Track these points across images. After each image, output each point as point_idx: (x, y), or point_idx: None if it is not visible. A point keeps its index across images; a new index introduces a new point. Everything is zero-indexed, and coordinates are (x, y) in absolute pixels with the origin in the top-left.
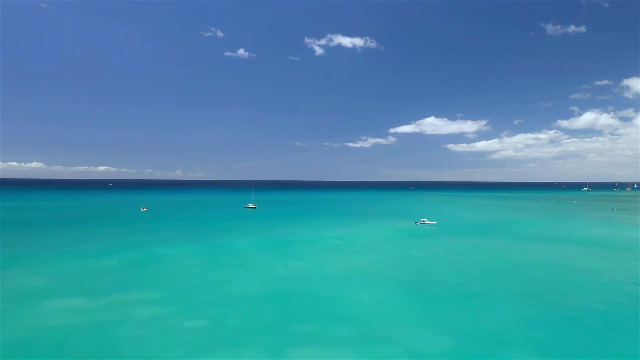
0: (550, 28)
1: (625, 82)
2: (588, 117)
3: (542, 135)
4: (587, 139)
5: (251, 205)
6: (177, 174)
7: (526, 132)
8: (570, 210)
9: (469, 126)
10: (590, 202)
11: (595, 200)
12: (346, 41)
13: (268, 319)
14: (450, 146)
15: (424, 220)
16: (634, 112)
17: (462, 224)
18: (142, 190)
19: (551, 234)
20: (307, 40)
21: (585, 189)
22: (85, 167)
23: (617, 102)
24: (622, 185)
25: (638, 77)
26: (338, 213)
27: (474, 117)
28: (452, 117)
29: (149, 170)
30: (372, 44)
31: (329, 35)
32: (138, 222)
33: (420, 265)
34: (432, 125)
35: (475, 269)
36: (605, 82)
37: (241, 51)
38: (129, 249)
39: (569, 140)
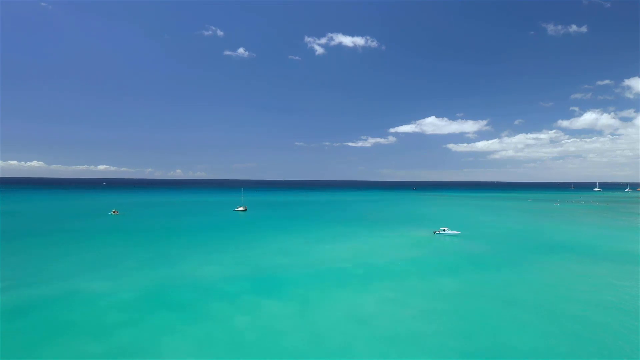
0: (551, 28)
1: (627, 82)
2: (588, 117)
3: (542, 136)
4: (588, 139)
5: (241, 208)
6: (177, 174)
7: (526, 132)
8: (607, 215)
9: (469, 126)
10: (616, 205)
11: (619, 202)
12: (347, 40)
13: None
14: (451, 146)
15: (444, 230)
16: (634, 112)
17: (490, 233)
18: (133, 190)
19: (621, 249)
20: (307, 39)
21: (596, 189)
22: (86, 166)
23: (617, 102)
24: (633, 186)
25: (639, 77)
26: (338, 219)
27: (474, 117)
28: (452, 117)
29: (149, 169)
30: (373, 44)
31: (330, 34)
32: (95, 233)
33: (462, 311)
34: (433, 125)
35: (554, 323)
36: (606, 82)
37: (241, 50)
38: (38, 282)
39: (569, 141)
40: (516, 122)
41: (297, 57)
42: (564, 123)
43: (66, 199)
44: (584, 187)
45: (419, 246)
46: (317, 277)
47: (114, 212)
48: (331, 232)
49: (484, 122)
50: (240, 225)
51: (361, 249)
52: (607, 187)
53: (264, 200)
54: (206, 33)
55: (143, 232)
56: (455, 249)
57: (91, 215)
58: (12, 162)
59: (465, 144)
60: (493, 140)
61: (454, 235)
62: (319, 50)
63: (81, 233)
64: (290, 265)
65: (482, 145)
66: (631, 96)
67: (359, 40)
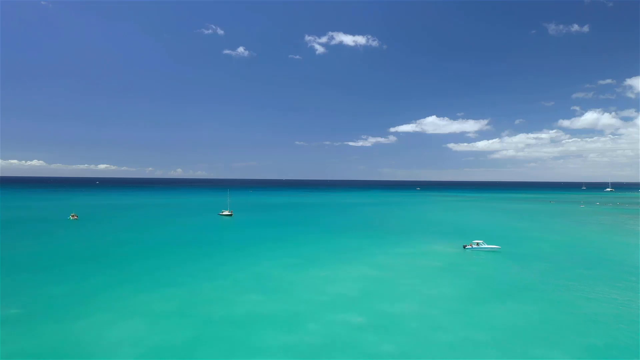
0: (552, 28)
1: (628, 81)
2: (590, 117)
3: (543, 135)
4: (589, 139)
5: (226, 213)
6: (178, 173)
7: (527, 132)
8: None
9: (470, 125)
10: None
11: None
12: (348, 39)
13: None
14: (451, 145)
15: (478, 243)
16: (635, 112)
17: (540, 249)
18: (124, 190)
19: None
20: (307, 38)
21: (608, 189)
22: (86, 165)
23: (619, 102)
24: None
25: None
26: (339, 227)
27: (475, 117)
28: (453, 117)
29: (150, 168)
30: (374, 43)
31: (331, 33)
32: (27, 249)
33: None
34: (433, 124)
35: None
36: (608, 81)
37: (241, 49)
38: None
39: (570, 140)
40: (517, 122)
41: (297, 56)
42: (565, 123)
43: (45, 199)
44: (594, 187)
45: (454, 271)
46: (306, 352)
47: (72, 216)
48: (330, 246)
49: (484, 122)
50: (215, 238)
51: (373, 279)
52: (616, 187)
53: (257, 202)
54: (206, 32)
55: (81, 250)
56: (511, 277)
57: (47, 220)
58: (12, 161)
59: (465, 144)
60: (494, 140)
61: (493, 251)
62: (320, 49)
63: (9, 250)
64: (262, 317)
65: (482, 144)
66: (632, 96)
67: (360, 39)
